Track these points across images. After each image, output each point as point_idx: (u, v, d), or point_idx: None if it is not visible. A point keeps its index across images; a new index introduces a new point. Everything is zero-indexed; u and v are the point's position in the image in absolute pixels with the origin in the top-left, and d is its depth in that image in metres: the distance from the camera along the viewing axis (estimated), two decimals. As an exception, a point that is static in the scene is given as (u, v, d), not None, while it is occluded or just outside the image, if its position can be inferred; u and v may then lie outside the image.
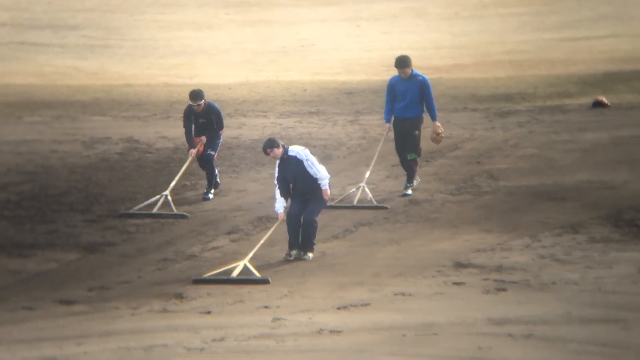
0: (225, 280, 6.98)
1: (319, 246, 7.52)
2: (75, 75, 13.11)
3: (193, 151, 8.50)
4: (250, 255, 7.17)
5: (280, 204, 7.44)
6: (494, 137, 10.27)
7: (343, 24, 16.35)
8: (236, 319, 6.24)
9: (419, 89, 8.73)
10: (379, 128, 10.96)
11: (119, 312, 6.41)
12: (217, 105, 8.72)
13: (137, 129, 10.92)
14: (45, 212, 8.23)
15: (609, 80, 12.61)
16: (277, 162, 7.51)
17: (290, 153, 7.48)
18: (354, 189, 8.38)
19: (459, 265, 7.06)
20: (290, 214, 7.45)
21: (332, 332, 5.91)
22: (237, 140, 10.50)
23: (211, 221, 8.13)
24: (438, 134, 8.78)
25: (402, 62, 8.77)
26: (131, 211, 8.08)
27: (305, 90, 12.69)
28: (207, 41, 15.29)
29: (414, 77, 8.78)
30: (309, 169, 7.43)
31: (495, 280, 6.74)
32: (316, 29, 15.99)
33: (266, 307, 6.41)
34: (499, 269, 6.97)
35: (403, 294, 6.56)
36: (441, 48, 11.23)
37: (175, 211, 8.00)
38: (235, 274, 7.01)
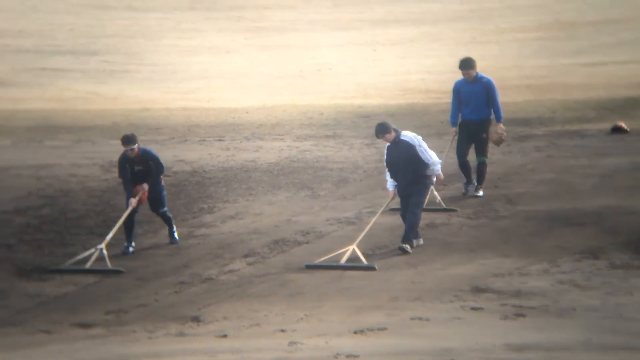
0: (334, 266, 7.28)
1: (336, 271, 7.48)
2: (94, 100, 13.29)
3: (133, 200, 7.82)
4: (359, 239, 7.36)
5: (391, 183, 7.71)
6: (512, 161, 10.22)
7: (359, 48, 16.46)
8: (252, 342, 6.22)
9: (485, 91, 8.81)
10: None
11: (135, 336, 6.41)
12: (152, 150, 8.11)
13: (155, 153, 11.02)
14: (64, 235, 8.30)
15: (628, 105, 12.54)
16: (388, 144, 7.67)
17: (402, 137, 7.65)
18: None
19: (477, 290, 7.00)
20: (401, 214, 7.73)
21: (348, 356, 5.86)
22: (254, 164, 10.54)
23: (228, 244, 8.14)
24: (500, 134, 8.81)
25: (466, 64, 8.87)
26: (62, 267, 7.42)
27: (321, 113, 12.75)
28: (225, 65, 15.46)
29: (478, 79, 8.88)
30: (421, 155, 7.62)
31: (514, 306, 6.68)
32: (333, 54, 16.11)
33: (282, 330, 6.38)
34: (518, 294, 6.91)
35: (420, 319, 6.50)
36: (458, 72, 11.25)
37: (109, 266, 7.42)
38: (344, 259, 7.22)
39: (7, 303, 7.14)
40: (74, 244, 8.15)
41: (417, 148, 7.65)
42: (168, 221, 8.17)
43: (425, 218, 8.18)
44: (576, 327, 6.22)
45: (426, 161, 7.63)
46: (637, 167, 9.99)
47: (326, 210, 8.90)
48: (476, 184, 8.97)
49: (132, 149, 7.93)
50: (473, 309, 6.67)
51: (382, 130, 7.69)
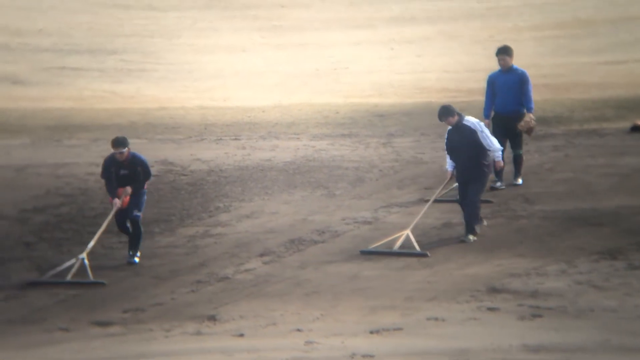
0: (388, 252, 7.44)
1: (351, 268, 7.49)
2: (112, 99, 13.36)
3: (117, 201, 7.33)
4: (413, 223, 7.53)
5: (450, 164, 7.80)
6: (530, 160, 10.15)
7: (376, 47, 16.41)
8: (269, 342, 6.23)
9: (519, 82, 8.88)
10: (412, 150, 10.95)
11: (153, 334, 6.45)
12: (142, 155, 7.66)
13: (172, 152, 11.05)
14: (82, 234, 8.35)
15: (648, 104, 12.41)
16: (449, 128, 7.77)
17: (465, 122, 7.72)
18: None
19: (493, 290, 6.96)
20: (459, 201, 7.79)
21: (364, 356, 5.86)
22: (270, 163, 10.55)
23: (244, 243, 8.16)
24: (528, 123, 8.87)
25: (503, 50, 8.93)
26: (42, 280, 7.12)
27: (337, 112, 12.72)
28: (241, 64, 15.48)
29: (513, 71, 8.93)
30: (482, 140, 7.68)
31: (531, 306, 6.64)
32: (349, 52, 16.07)
33: (299, 330, 6.40)
34: (534, 294, 6.87)
35: (436, 319, 6.48)
36: (475, 71, 11.19)
37: (91, 278, 7.10)
38: (398, 244, 7.39)
39: (26, 301, 7.19)
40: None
41: (479, 134, 7.70)
42: (136, 232, 7.45)
43: (441, 217, 8.17)
44: (594, 328, 6.18)
45: (487, 147, 7.67)
46: (656, 167, 9.89)
47: (342, 209, 8.90)
48: (515, 172, 9.14)
49: (122, 153, 7.50)
50: (489, 309, 6.64)
51: (445, 113, 7.77)
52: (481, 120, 8.58)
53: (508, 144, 9.06)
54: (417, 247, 7.50)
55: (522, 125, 8.98)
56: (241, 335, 6.39)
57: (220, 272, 7.58)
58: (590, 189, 9.25)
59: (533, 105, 8.98)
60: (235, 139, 11.58)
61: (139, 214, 7.56)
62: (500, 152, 7.74)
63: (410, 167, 10.23)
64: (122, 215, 7.55)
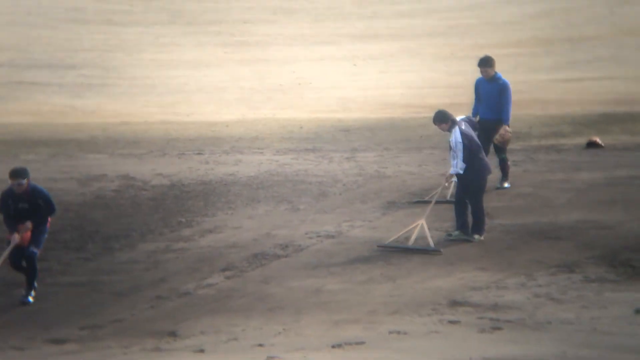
0: (403, 248, 7.68)
1: (314, 283, 7.47)
2: (72, 114, 13.17)
3: (16, 236, 6.82)
4: (427, 212, 7.76)
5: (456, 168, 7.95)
6: (490, 175, 10.31)
7: (339, 63, 16.53)
8: (230, 357, 6.16)
9: (498, 92, 9.11)
10: (375, 165, 11.03)
11: (111, 351, 6.33)
12: (43, 188, 7.13)
13: (133, 166, 10.93)
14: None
15: (603, 121, 12.71)
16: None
17: (453, 131, 7.90)
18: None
19: (455, 304, 7.01)
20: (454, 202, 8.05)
21: (326, 371, 5.84)
22: (234, 177, 10.50)
23: (206, 258, 8.08)
24: (502, 135, 9.17)
25: (483, 61, 9.20)
26: None
27: (301, 127, 12.75)
28: (204, 79, 15.43)
29: (496, 80, 9.20)
30: (451, 158, 7.93)
31: (491, 319, 6.69)
32: (313, 68, 16.16)
33: (260, 345, 6.34)
34: (495, 307, 6.93)
35: (398, 333, 6.50)
36: (437, 87, 11.36)
37: None
38: (413, 238, 7.67)
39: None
40: (48, 258, 8.03)
41: (451, 152, 7.98)
42: (31, 272, 6.95)
43: (404, 230, 8.23)
44: (552, 341, 6.25)
45: (450, 162, 7.94)
46: (611, 182, 10.10)
47: (305, 223, 8.89)
48: (501, 177, 9.40)
49: (21, 184, 6.90)
50: (450, 322, 6.67)
51: (436, 118, 8.05)
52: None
53: (492, 149, 9.39)
54: (431, 242, 7.72)
55: (497, 138, 9.27)
56: (202, 351, 6.31)
57: (182, 287, 7.50)
58: (548, 204, 9.40)
59: (509, 117, 9.23)
60: (199, 154, 11.51)
61: (36, 250, 7.01)
62: (454, 170, 7.96)
63: (373, 181, 10.29)
64: (18, 253, 6.99)
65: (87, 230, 8.77)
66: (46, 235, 7.20)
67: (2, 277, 7.36)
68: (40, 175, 10.39)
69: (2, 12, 18.98)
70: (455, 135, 7.94)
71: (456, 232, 8.15)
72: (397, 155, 11.32)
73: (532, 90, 14.07)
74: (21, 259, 7.09)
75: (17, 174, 7.04)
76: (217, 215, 9.16)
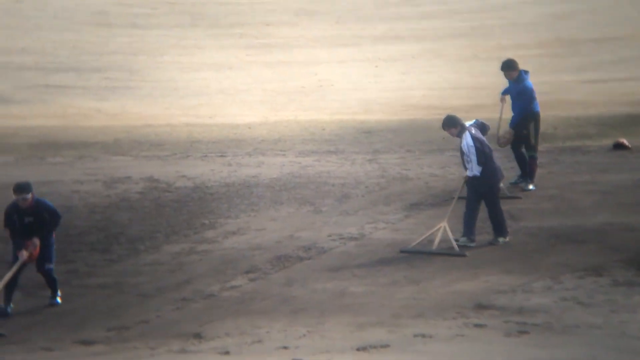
0: (427, 252, 7.66)
1: (337, 285, 7.46)
2: (96, 117, 13.31)
3: (24, 253, 6.78)
4: (448, 215, 7.78)
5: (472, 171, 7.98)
6: (513, 177, 10.21)
7: (361, 65, 16.51)
8: (255, 359, 6.17)
9: (520, 92, 9.41)
10: (398, 167, 11.01)
11: (137, 353, 6.37)
12: (48, 201, 7.11)
13: (157, 168, 10.99)
14: (65, 252, 8.24)
15: (629, 122, 12.55)
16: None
17: (463, 138, 7.96)
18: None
19: (480, 307, 6.96)
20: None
21: (351, 374, 5.83)
22: (256, 179, 10.52)
23: (230, 260, 8.11)
24: (502, 136, 9.41)
25: (504, 65, 9.53)
26: None
27: (324, 129, 12.75)
28: (227, 81, 15.51)
29: (521, 81, 9.47)
30: (465, 162, 8.00)
31: (517, 323, 6.63)
32: (335, 70, 16.16)
33: (285, 347, 6.35)
34: (521, 311, 6.87)
35: (423, 336, 6.46)
36: (460, 88, 11.28)
37: None
38: (436, 242, 7.68)
39: (8, 320, 7.09)
40: (76, 260, 8.12)
41: (464, 157, 8.03)
42: (52, 283, 7.10)
43: (427, 234, 8.20)
44: (580, 345, 6.18)
45: (466, 166, 7.98)
46: (639, 184, 9.96)
47: (328, 225, 8.88)
48: (527, 177, 9.64)
49: (25, 199, 6.85)
50: (476, 325, 6.63)
51: (446, 123, 8.10)
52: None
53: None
54: (455, 245, 7.72)
55: (502, 142, 9.45)
56: (227, 352, 6.34)
57: (206, 289, 7.52)
58: (574, 206, 9.30)
59: (516, 121, 9.40)
60: (221, 156, 11.55)
61: (51, 266, 7.03)
62: (471, 173, 7.99)
63: (396, 183, 10.27)
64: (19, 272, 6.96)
65: (112, 231, 8.84)
66: (54, 247, 7.15)
67: (31, 278, 7.43)
68: (67, 178, 10.52)
69: (29, 16, 19.26)
70: (467, 140, 7.93)
71: (463, 239, 8.08)
72: (420, 157, 11.27)
73: (557, 91, 13.94)
74: (18, 279, 6.99)
75: (21, 188, 6.96)
76: (240, 217, 9.18)
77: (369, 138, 12.26)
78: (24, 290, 7.43)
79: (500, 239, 8.12)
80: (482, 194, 8.05)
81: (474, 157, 7.91)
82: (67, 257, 8.15)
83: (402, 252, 7.77)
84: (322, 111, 13.71)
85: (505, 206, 9.37)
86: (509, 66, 9.42)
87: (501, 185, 8.62)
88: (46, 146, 11.85)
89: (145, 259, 8.15)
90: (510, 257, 8.00)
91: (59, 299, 7.25)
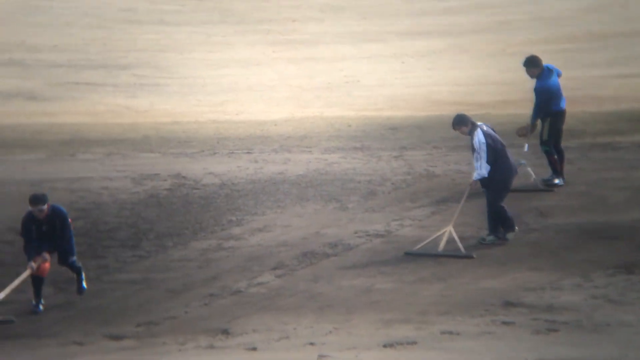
0: (433, 254, 7.54)
1: (364, 282, 7.46)
2: (126, 114, 13.44)
3: (33, 265, 6.94)
4: (454, 219, 7.64)
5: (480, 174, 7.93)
6: (542, 174, 10.11)
7: (387, 60, 16.44)
8: (282, 355, 6.22)
9: (535, 92, 9.36)
10: (424, 163, 10.96)
11: (166, 348, 6.44)
12: (62, 207, 7.20)
13: (185, 165, 11.07)
14: (96, 247, 8.38)
15: (662, 118, 12.33)
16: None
17: (473, 134, 7.89)
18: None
19: (508, 304, 6.91)
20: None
21: (378, 371, 5.83)
22: (282, 176, 10.55)
23: (256, 256, 8.15)
24: (522, 128, 9.38)
25: (526, 62, 9.45)
26: None
27: (349, 125, 12.73)
28: (253, 78, 15.55)
29: (539, 79, 9.38)
30: (474, 160, 7.90)
31: (546, 321, 6.58)
32: (361, 66, 16.11)
33: (312, 344, 6.37)
34: (550, 308, 6.81)
35: (450, 333, 6.44)
36: (487, 84, 11.17)
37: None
38: (442, 245, 7.57)
39: (40, 315, 7.21)
40: (106, 255, 8.22)
41: (474, 154, 7.92)
42: (77, 270, 7.27)
43: (456, 230, 8.15)
44: (611, 343, 6.11)
45: (474, 164, 7.84)
46: (671, 180, 9.80)
47: (354, 222, 8.88)
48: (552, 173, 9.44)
49: (41, 210, 7.01)
50: (504, 323, 6.58)
51: (456, 122, 8.04)
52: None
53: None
54: (462, 247, 7.60)
55: (522, 134, 9.44)
56: (254, 349, 6.38)
57: (233, 285, 7.57)
58: (604, 203, 9.18)
59: (535, 117, 9.38)
60: (248, 153, 11.60)
61: (74, 258, 7.22)
62: (479, 177, 7.91)
63: (422, 180, 10.21)
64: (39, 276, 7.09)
65: (141, 228, 8.93)
66: (74, 240, 7.31)
67: (61, 274, 7.56)
68: (96, 174, 10.66)
69: (60, 13, 19.51)
70: (479, 137, 7.85)
71: (490, 237, 8.00)
72: (447, 153, 11.19)
73: (587, 86, 13.74)
74: (42, 280, 7.13)
75: (38, 200, 7.11)
76: (266, 213, 9.21)
77: (395, 134, 12.21)
78: (55, 285, 7.57)
79: (489, 238, 7.94)
80: (501, 188, 7.92)
81: (484, 155, 7.81)
82: (97, 253, 8.27)
83: (407, 254, 7.64)
84: (348, 107, 13.68)
85: (534, 203, 9.31)
86: (529, 62, 9.31)
87: (533, 177, 8.60)
88: (76, 143, 11.99)
89: (174, 255, 8.22)
90: (538, 254, 7.91)
91: (84, 284, 7.37)
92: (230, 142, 12.09)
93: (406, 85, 14.76)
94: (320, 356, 6.11)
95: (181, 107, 13.79)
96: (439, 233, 7.69)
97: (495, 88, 10.86)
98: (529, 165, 9.25)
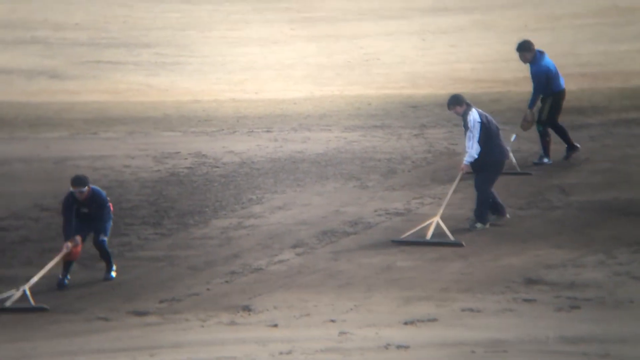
0: (421, 242, 7.41)
1: (384, 259, 7.46)
2: (147, 92, 13.49)
3: (69, 245, 7.05)
4: (441, 211, 7.51)
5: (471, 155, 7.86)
6: (565, 151, 9.98)
7: (408, 37, 16.27)
8: (303, 332, 6.25)
9: (533, 76, 9.31)
10: (445, 142, 10.88)
11: (189, 324, 6.51)
12: (102, 192, 7.36)
13: (205, 144, 11.10)
14: (118, 225, 8.42)
15: (687, 92, 12.07)
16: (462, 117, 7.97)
17: (468, 115, 7.83)
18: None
19: (529, 282, 6.88)
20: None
21: (399, 347, 5.85)
22: (302, 155, 10.55)
23: (276, 235, 8.18)
24: (524, 119, 9.28)
25: (519, 46, 9.37)
26: None
27: (370, 104, 12.66)
28: (272, 56, 15.50)
29: (535, 62, 9.31)
30: (466, 139, 7.81)
31: (568, 298, 6.55)
32: (381, 43, 15.97)
33: (332, 320, 6.40)
34: (572, 285, 6.77)
35: (471, 310, 6.44)
36: (510, 61, 10.98)
37: (33, 304, 6.84)
38: (429, 233, 7.41)
39: (66, 291, 7.32)
40: (129, 233, 8.30)
41: (467, 132, 7.80)
42: (106, 255, 7.34)
43: (418, 227, 8.03)
44: (634, 320, 6.07)
45: (466, 144, 7.72)
46: (697, 157, 9.64)
47: (374, 201, 8.87)
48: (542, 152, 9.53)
49: (82, 192, 7.16)
50: (525, 300, 6.56)
51: (451, 102, 7.97)
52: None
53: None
54: (450, 236, 7.45)
55: (525, 126, 9.42)
56: (275, 325, 6.42)
57: (254, 263, 7.62)
58: (628, 179, 9.07)
59: (533, 102, 9.33)
60: (267, 131, 11.59)
61: (104, 238, 7.32)
62: (470, 159, 7.77)
63: (443, 158, 10.15)
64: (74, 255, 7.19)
65: (162, 206, 9.01)
66: (111, 223, 7.45)
67: (87, 251, 7.64)
68: (118, 152, 10.74)
69: (83, -10, 19.52)
70: (473, 115, 7.78)
71: (479, 224, 7.86)
72: (468, 131, 11.08)
73: (613, 61, 13.48)
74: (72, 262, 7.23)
75: (79, 182, 7.27)
76: (286, 192, 9.23)
77: (415, 112, 12.12)
78: (79, 262, 7.65)
79: (479, 225, 7.81)
80: (492, 172, 7.79)
81: (476, 134, 7.70)
82: (120, 231, 8.35)
83: (393, 242, 7.48)
84: (368, 86, 13.59)
85: (556, 180, 9.21)
86: (521, 47, 9.22)
87: (513, 160, 8.44)
88: (99, 121, 12.03)
89: (195, 233, 8.28)
90: (560, 232, 7.85)
91: (113, 274, 7.47)
92: (249, 121, 12.08)
93: (427, 63, 14.59)
94: (341, 333, 6.14)
95: (201, 86, 13.80)
96: (425, 223, 7.52)
97: (518, 65, 10.67)
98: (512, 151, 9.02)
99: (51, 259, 7.33)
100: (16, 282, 7.20)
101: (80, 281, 7.41)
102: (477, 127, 7.71)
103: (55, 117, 12.22)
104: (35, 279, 7.10)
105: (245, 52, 15.82)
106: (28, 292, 6.97)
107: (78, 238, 7.24)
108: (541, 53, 9.30)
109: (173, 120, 12.18)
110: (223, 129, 11.78)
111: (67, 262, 7.33)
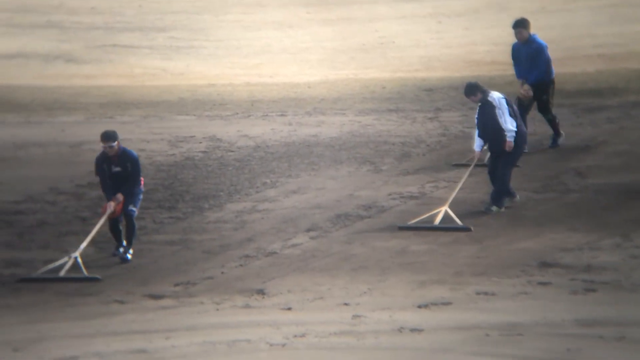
0: (428, 227, 7.41)
1: (398, 243, 7.46)
2: (162, 76, 13.52)
3: (112, 204, 7.14)
4: (450, 199, 7.49)
5: (478, 144, 7.93)
6: (582, 133, 9.90)
7: (423, 20, 16.15)
8: (316, 315, 6.28)
9: (533, 54, 9.09)
10: (459, 125, 10.81)
11: (204, 307, 6.56)
12: (133, 151, 7.46)
13: (220, 128, 11.14)
14: (134, 208, 8.56)
15: None
16: (479, 104, 7.94)
17: (489, 98, 7.85)
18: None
19: (545, 265, 6.85)
20: (488, 168, 7.96)
21: (413, 330, 5.86)
22: (316, 138, 10.55)
23: (291, 218, 8.21)
24: (521, 93, 9.17)
25: (517, 22, 9.23)
26: (34, 275, 6.93)
27: (384, 87, 12.61)
28: (287, 40, 15.45)
29: (531, 42, 9.12)
30: (498, 117, 7.77)
31: (584, 281, 6.52)
32: (395, 26, 15.87)
33: (346, 304, 6.42)
34: (588, 269, 6.73)
35: (486, 294, 6.43)
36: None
37: (86, 274, 6.92)
38: (437, 220, 7.40)
39: (84, 273, 7.37)
40: (144, 217, 8.34)
41: (497, 110, 7.82)
42: (131, 229, 7.30)
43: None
44: (650, 304, 6.02)
45: (501, 125, 7.73)
46: None
47: (388, 185, 8.86)
48: (553, 136, 9.37)
49: (112, 147, 7.22)
50: (540, 283, 6.54)
51: (469, 90, 7.98)
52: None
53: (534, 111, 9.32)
54: (458, 221, 7.44)
55: (522, 94, 9.21)
56: (289, 308, 6.46)
57: (268, 247, 7.65)
58: (646, 162, 9.01)
59: (535, 79, 9.11)
60: (282, 115, 11.59)
61: (134, 209, 7.34)
62: (513, 133, 7.76)
63: (458, 141, 10.10)
64: (117, 222, 7.31)
65: (177, 190, 9.06)
66: (141, 196, 7.56)
67: (104, 234, 7.70)
68: (134, 136, 10.80)
69: (98, -27, 19.52)
70: (494, 94, 7.80)
71: (495, 207, 7.88)
72: (483, 114, 10.99)
73: (630, 42, 13.28)
74: (118, 223, 7.43)
75: (108, 137, 7.37)
76: (300, 176, 9.24)
77: (430, 96, 12.06)
78: (95, 245, 7.73)
79: (494, 208, 7.82)
80: (515, 155, 7.76)
81: (505, 110, 7.72)
82: (137, 214, 8.40)
83: (400, 228, 7.45)
84: (382, 69, 13.52)
85: (572, 163, 9.14)
86: (520, 23, 9.09)
87: (479, 152, 8.25)
88: (114, 105, 12.11)
89: (209, 217, 8.33)
90: (576, 215, 7.81)
91: (129, 256, 7.46)
92: (264, 105, 12.08)
93: (442, 46, 14.49)
94: (355, 316, 6.16)
95: (216, 70, 13.80)
96: (433, 212, 7.49)
97: (534, 47, 10.55)
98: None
99: (69, 242, 7.45)
100: (34, 266, 7.28)
101: (95, 264, 7.48)
102: (504, 102, 7.75)
103: (71, 101, 12.30)
104: (84, 244, 7.15)
105: (260, 35, 15.78)
106: (80, 260, 7.02)
107: (119, 195, 7.27)
108: (530, 34, 9.20)
109: (188, 104, 12.21)
110: (237, 113, 11.81)
111: (115, 232, 7.36)
